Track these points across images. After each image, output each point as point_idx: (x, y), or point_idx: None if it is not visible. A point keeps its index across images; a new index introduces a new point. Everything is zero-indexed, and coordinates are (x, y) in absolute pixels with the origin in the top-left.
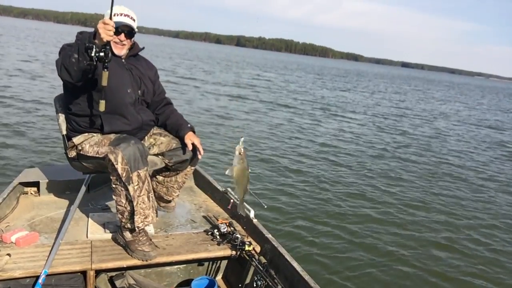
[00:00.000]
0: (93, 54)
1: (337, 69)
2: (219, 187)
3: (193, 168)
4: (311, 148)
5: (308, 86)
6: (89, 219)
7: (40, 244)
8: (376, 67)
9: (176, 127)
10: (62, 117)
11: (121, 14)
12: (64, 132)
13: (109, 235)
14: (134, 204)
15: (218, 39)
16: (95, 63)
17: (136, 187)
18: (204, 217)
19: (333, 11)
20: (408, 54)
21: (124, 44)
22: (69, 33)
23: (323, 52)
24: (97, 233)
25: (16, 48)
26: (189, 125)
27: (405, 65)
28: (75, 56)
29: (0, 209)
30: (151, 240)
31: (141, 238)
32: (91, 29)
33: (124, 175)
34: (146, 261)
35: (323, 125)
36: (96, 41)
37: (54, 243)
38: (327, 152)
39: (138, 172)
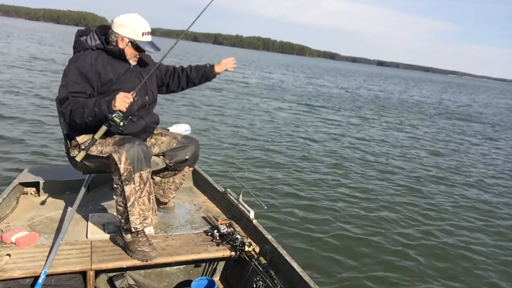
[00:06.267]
0: (113, 117)
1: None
2: (218, 188)
3: (191, 168)
4: (312, 149)
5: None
6: (89, 219)
7: (40, 244)
8: (353, 65)
9: (202, 74)
10: None
11: (148, 33)
12: (66, 131)
13: (108, 236)
14: (128, 205)
15: (195, 37)
16: (108, 125)
17: (137, 188)
18: (203, 217)
19: (312, 10)
20: (383, 52)
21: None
22: (46, 31)
23: (300, 50)
24: (97, 233)
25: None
26: (208, 64)
27: (380, 63)
28: (89, 118)
29: (0, 209)
30: (150, 240)
31: (140, 239)
32: (80, 27)
33: (125, 175)
34: (146, 261)
35: (322, 124)
36: (114, 109)
37: (54, 243)
38: (329, 152)
39: (141, 173)
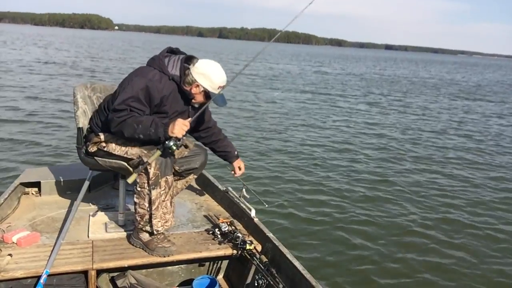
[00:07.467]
0: (172, 145)
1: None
2: (220, 186)
3: (195, 176)
4: (315, 145)
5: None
6: (90, 219)
7: (42, 244)
8: (361, 51)
9: (224, 154)
10: (81, 109)
11: (223, 87)
12: (81, 125)
13: (110, 235)
14: (153, 208)
15: (200, 32)
16: (164, 150)
17: (162, 192)
18: (205, 216)
19: None
20: (391, 36)
21: None
22: (51, 35)
23: (306, 39)
24: (98, 233)
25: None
26: (236, 153)
27: (388, 47)
28: (140, 136)
29: (1, 209)
30: (168, 236)
31: (159, 236)
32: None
33: (153, 179)
34: (168, 256)
35: (326, 117)
36: (170, 134)
37: (55, 243)
38: (331, 148)
39: (167, 178)
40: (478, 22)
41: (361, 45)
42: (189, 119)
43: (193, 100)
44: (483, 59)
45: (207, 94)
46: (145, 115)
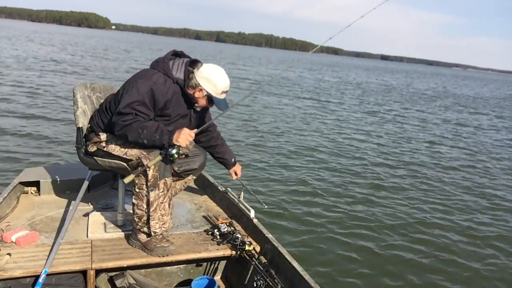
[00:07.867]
0: (174, 153)
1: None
2: (219, 187)
3: (194, 177)
4: (313, 146)
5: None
6: (89, 218)
7: (40, 244)
8: (356, 60)
9: (222, 161)
10: (81, 109)
11: (226, 92)
12: (81, 125)
13: (109, 235)
14: (151, 210)
15: (197, 35)
16: (165, 156)
17: (160, 194)
18: (204, 217)
19: (314, 5)
20: (387, 47)
21: None
22: (49, 32)
23: (303, 46)
24: (97, 232)
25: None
26: (233, 160)
27: (384, 58)
28: (144, 141)
29: (0, 208)
30: (166, 236)
31: (157, 236)
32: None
33: (152, 181)
34: (167, 255)
35: (324, 120)
36: (174, 142)
37: (54, 242)
38: (330, 149)
39: (165, 180)
40: (476, 36)
41: (357, 55)
42: (195, 130)
43: (196, 104)
44: (478, 73)
45: (210, 99)
46: (150, 120)
